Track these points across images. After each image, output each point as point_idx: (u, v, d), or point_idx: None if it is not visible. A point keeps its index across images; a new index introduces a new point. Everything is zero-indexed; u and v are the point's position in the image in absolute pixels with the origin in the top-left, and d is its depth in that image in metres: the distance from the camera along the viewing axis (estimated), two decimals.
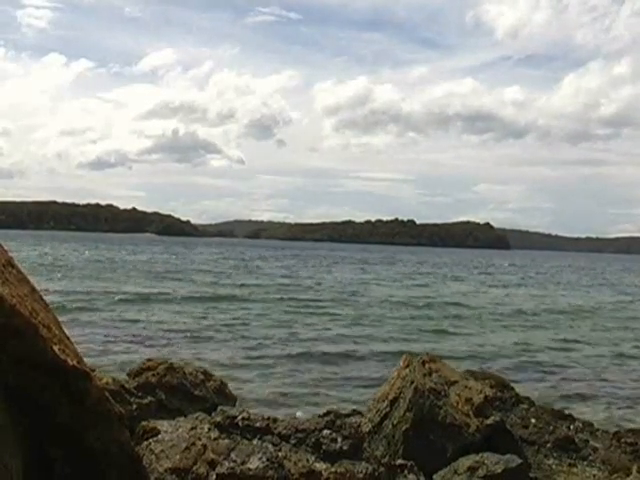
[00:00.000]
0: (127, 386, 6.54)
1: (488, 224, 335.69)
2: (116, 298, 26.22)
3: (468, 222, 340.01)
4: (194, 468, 4.86)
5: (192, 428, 5.26)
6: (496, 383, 7.31)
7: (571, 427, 6.79)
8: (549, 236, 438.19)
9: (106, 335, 17.04)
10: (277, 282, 41.17)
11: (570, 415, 7.11)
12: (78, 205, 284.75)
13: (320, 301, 30.97)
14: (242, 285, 37.53)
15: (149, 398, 6.51)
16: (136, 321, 20.08)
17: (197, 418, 5.52)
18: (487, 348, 19.18)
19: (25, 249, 66.26)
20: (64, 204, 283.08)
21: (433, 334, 21.78)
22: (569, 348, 20.08)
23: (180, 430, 5.24)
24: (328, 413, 5.92)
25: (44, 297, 4.17)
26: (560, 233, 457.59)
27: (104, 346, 15.44)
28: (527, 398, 7.27)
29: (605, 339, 22.60)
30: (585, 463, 6.26)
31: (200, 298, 28.64)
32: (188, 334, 18.22)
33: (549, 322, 27.02)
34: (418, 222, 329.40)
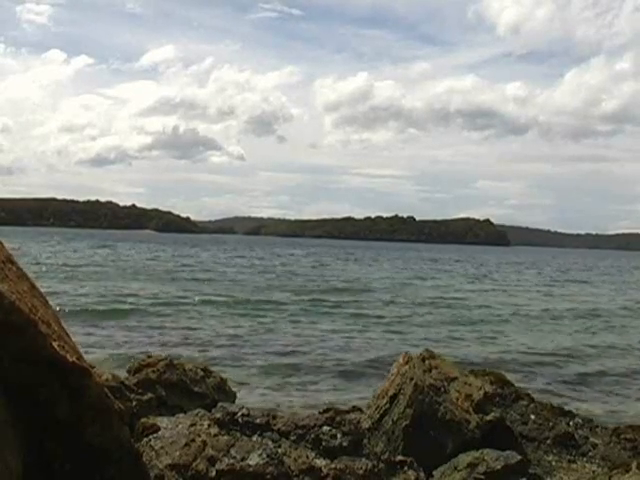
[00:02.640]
0: (127, 383, 6.54)
1: (488, 220, 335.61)
2: (145, 302, 24.98)
3: (468, 218, 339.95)
4: (194, 464, 4.86)
5: (192, 424, 5.26)
6: (496, 379, 7.31)
7: (571, 423, 6.79)
8: (549, 232, 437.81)
9: (128, 340, 16.53)
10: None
11: (570, 411, 7.11)
12: (78, 202, 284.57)
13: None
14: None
15: (149, 395, 6.50)
16: (164, 326, 19.28)
17: (197, 415, 5.52)
18: None
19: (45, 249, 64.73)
20: (64, 201, 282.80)
21: None
22: None
23: (180, 427, 5.24)
24: (328, 410, 5.92)
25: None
26: (560, 229, 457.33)
27: (126, 349, 15.03)
28: (527, 394, 7.26)
29: None
30: (585, 459, 6.27)
31: (227, 302, 26.63)
32: (211, 340, 17.31)
33: None
34: (418, 219, 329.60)
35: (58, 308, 17.02)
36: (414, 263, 79.72)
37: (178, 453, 4.94)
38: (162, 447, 5.02)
